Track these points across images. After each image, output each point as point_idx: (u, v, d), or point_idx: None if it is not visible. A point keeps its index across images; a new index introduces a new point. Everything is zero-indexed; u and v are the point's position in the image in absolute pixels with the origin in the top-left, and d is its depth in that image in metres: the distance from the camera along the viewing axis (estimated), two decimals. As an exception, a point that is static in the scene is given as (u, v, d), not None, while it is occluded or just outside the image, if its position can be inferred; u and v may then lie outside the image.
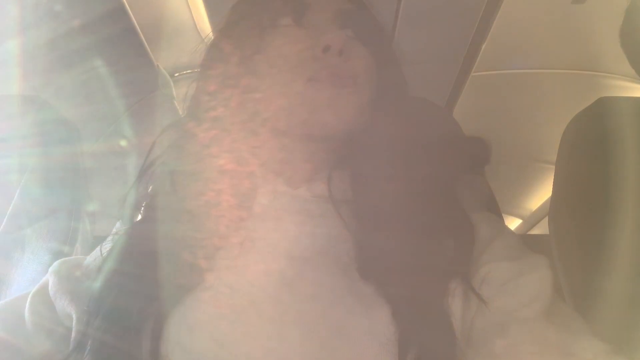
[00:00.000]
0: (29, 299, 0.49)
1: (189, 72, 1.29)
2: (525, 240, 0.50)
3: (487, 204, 0.65)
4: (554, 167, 0.74)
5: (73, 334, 0.47)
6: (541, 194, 2.01)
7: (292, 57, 0.49)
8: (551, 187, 0.74)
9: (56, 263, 0.52)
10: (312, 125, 0.48)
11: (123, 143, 1.27)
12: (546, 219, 0.76)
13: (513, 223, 2.40)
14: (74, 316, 0.47)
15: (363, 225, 0.47)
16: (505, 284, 0.43)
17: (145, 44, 1.12)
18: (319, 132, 0.49)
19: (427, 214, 0.47)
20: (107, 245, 0.51)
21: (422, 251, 0.45)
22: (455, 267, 0.44)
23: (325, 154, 0.51)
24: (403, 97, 0.57)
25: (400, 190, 0.47)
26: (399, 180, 0.48)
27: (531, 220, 2.25)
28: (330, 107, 0.48)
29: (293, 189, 0.50)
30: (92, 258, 0.53)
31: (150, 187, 0.53)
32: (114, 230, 0.54)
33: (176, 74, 1.29)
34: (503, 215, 0.79)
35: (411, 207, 0.47)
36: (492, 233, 0.47)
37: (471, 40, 1.20)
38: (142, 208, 0.52)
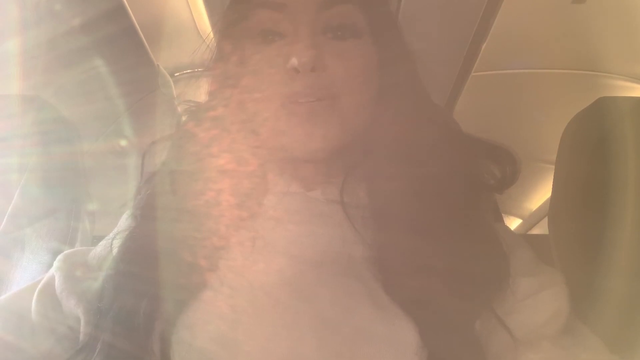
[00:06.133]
0: (35, 298, 0.49)
1: (189, 72, 1.29)
2: (525, 241, 0.50)
3: (494, 212, 0.65)
4: (554, 167, 0.74)
5: (81, 335, 0.46)
6: (541, 194, 2.00)
7: (265, 78, 0.47)
8: (551, 187, 0.74)
9: (61, 257, 0.51)
10: (292, 149, 0.47)
11: (123, 143, 1.27)
12: (546, 219, 0.76)
13: (513, 223, 2.40)
14: (81, 317, 0.47)
15: (378, 233, 0.46)
16: (525, 300, 0.43)
17: (146, 43, 1.12)
18: (301, 156, 0.48)
19: (449, 225, 0.45)
20: (115, 242, 0.50)
21: (447, 265, 0.43)
22: (488, 290, 0.43)
23: (341, 156, 0.49)
24: (415, 93, 0.52)
25: (418, 199, 0.45)
26: (416, 188, 0.46)
27: (531, 220, 2.25)
28: (308, 131, 0.46)
29: (307, 190, 0.49)
30: (98, 251, 0.52)
31: (152, 187, 0.53)
32: (117, 228, 0.54)
33: (176, 74, 1.29)
34: (503, 215, 0.79)
35: (431, 217, 0.45)
36: (507, 247, 0.46)
37: (471, 40, 1.19)
38: (145, 207, 0.51)
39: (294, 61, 0.45)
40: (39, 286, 0.50)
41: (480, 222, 0.48)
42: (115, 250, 0.49)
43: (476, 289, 0.43)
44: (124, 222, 0.54)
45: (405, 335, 0.40)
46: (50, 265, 0.55)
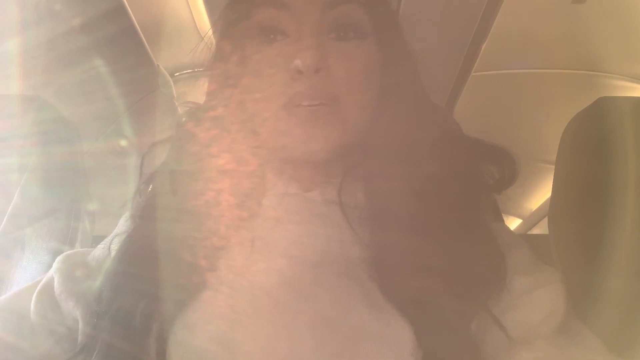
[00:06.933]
0: (34, 298, 0.49)
1: (189, 72, 1.29)
2: (525, 240, 0.50)
3: (493, 212, 0.65)
4: (554, 167, 0.74)
5: (80, 337, 0.46)
6: (541, 194, 2.00)
7: (265, 78, 0.47)
8: (551, 187, 0.74)
9: (60, 258, 0.51)
10: (293, 149, 0.47)
11: (123, 143, 1.27)
12: (546, 219, 0.76)
13: (513, 223, 2.40)
14: (80, 319, 0.47)
15: (376, 233, 0.46)
16: (519, 297, 0.43)
17: (145, 43, 1.12)
18: (301, 156, 0.47)
19: (447, 225, 0.45)
20: (114, 244, 0.50)
21: (444, 265, 0.43)
22: (484, 290, 0.43)
23: (341, 156, 0.49)
24: (416, 94, 0.52)
25: (416, 199, 0.45)
26: (414, 188, 0.46)
27: (531, 220, 2.25)
28: (309, 132, 0.45)
29: (305, 191, 0.49)
30: (97, 253, 0.52)
31: (151, 187, 0.53)
32: (117, 229, 0.54)
33: (176, 74, 1.29)
34: (503, 215, 0.79)
35: (429, 217, 0.45)
36: (505, 245, 0.46)
37: (471, 40, 1.19)
38: (144, 208, 0.51)
39: (297, 62, 0.44)
40: (38, 287, 0.50)
41: (478, 222, 0.48)
42: (114, 252, 0.49)
43: (473, 289, 0.43)
44: (123, 223, 0.54)
45: (401, 335, 0.40)
46: (50, 266, 0.55)
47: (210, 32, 0.54)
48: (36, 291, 0.49)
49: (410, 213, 0.45)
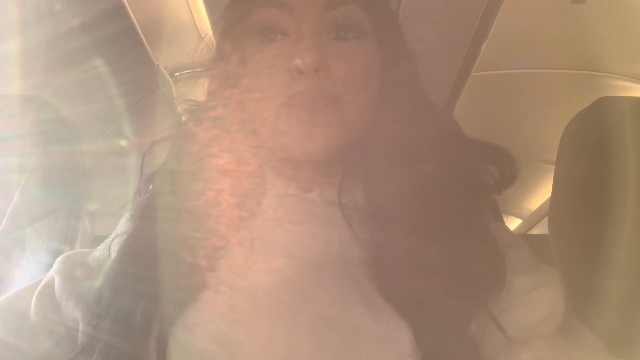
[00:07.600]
0: (34, 299, 0.49)
1: (189, 72, 1.29)
2: (525, 240, 0.50)
3: (493, 212, 0.65)
4: (554, 167, 0.74)
5: (80, 337, 0.46)
6: (541, 194, 2.00)
7: (265, 78, 0.47)
8: (551, 187, 0.74)
9: (60, 259, 0.51)
10: (292, 149, 0.47)
11: (123, 143, 1.27)
12: (546, 219, 0.76)
13: (513, 223, 2.40)
14: (80, 319, 0.47)
15: (375, 234, 0.46)
16: (518, 297, 0.43)
17: (146, 43, 1.12)
18: (301, 156, 0.47)
19: (447, 226, 0.45)
20: (114, 245, 0.50)
21: (443, 265, 0.43)
22: (484, 290, 0.43)
23: (340, 156, 0.49)
24: (415, 94, 0.52)
25: (416, 199, 0.45)
26: (414, 189, 0.46)
27: (531, 220, 2.25)
28: (309, 131, 0.45)
29: (304, 192, 0.49)
30: (97, 254, 0.52)
31: (151, 187, 0.53)
32: (118, 229, 0.54)
33: (176, 74, 1.29)
34: (503, 215, 0.79)
35: (428, 217, 0.45)
36: (505, 245, 0.46)
37: (471, 40, 1.19)
38: (145, 208, 0.51)
39: (298, 62, 0.45)
40: (39, 287, 0.50)
41: (478, 222, 0.48)
42: (114, 252, 0.49)
43: (472, 289, 0.43)
44: (123, 224, 0.54)
45: (400, 336, 0.40)
46: (50, 266, 0.55)
47: (211, 32, 0.54)
48: (36, 291, 0.49)
49: (409, 213, 0.45)
